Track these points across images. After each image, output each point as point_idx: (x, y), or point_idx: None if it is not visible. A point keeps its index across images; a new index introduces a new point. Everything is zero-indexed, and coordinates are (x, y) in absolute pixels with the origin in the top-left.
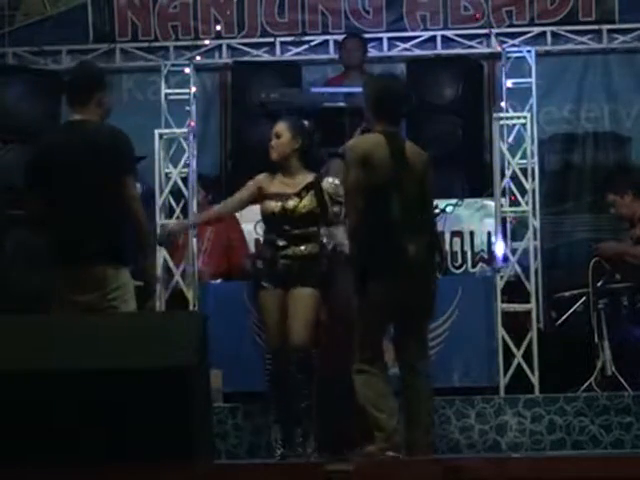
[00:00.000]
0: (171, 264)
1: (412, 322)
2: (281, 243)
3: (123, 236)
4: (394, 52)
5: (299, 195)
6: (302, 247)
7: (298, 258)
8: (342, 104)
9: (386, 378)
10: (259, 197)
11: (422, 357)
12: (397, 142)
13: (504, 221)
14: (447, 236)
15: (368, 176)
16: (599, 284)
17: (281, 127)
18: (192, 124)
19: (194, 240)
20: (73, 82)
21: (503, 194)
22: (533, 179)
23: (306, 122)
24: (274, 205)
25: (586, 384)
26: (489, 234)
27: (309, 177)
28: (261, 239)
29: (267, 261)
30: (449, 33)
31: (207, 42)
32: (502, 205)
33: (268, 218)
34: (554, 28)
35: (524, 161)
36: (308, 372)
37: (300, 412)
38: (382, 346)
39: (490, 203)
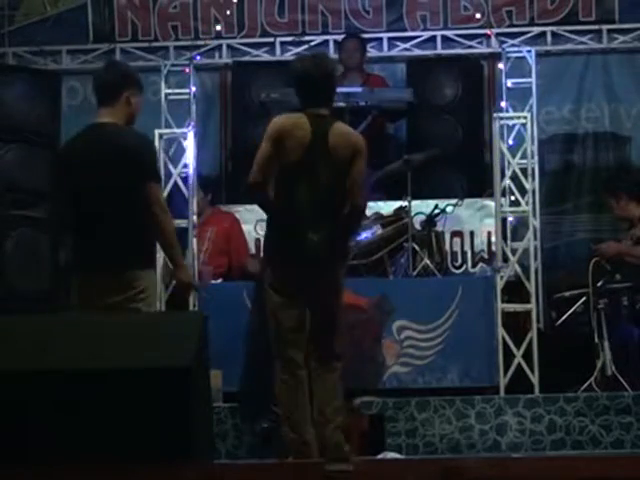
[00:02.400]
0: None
1: (315, 313)
2: None
3: (150, 238)
4: (394, 52)
5: None
6: None
7: None
8: (342, 104)
9: (303, 388)
10: None
11: (326, 350)
12: (321, 125)
13: (504, 221)
14: (447, 236)
15: (280, 154)
16: (599, 284)
17: None
18: (192, 124)
19: (194, 240)
20: (100, 80)
21: (503, 194)
22: (533, 179)
23: None
24: None
25: (586, 384)
26: (489, 234)
27: None
28: (261, 239)
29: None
30: (449, 33)
31: (207, 42)
32: (502, 205)
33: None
34: (554, 28)
35: (524, 161)
36: None
37: None
38: (301, 350)
39: (490, 203)
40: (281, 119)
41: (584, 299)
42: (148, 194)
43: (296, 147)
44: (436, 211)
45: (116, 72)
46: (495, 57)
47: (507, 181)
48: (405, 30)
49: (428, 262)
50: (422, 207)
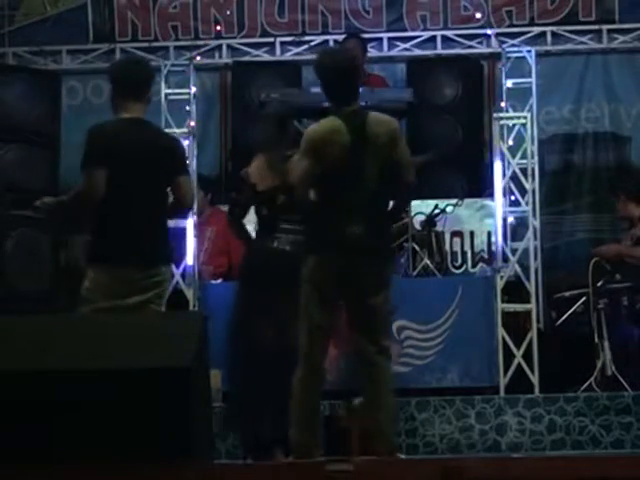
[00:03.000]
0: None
1: (359, 304)
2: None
3: (170, 235)
4: (394, 52)
5: None
6: None
7: None
8: None
9: (319, 391)
10: None
11: (376, 341)
12: (357, 121)
13: (504, 221)
14: (447, 236)
15: (322, 162)
16: (599, 284)
17: None
18: (192, 124)
19: (194, 240)
20: (131, 77)
21: (503, 194)
22: (533, 179)
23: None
24: None
25: (586, 384)
26: (489, 234)
27: None
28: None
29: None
30: (449, 33)
31: (207, 42)
32: (502, 205)
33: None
34: (554, 28)
35: (524, 161)
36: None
37: None
38: (325, 353)
39: (490, 203)
40: (315, 129)
41: (584, 299)
42: (179, 188)
43: (338, 152)
44: (436, 211)
45: (148, 70)
46: (495, 57)
47: (507, 181)
48: (405, 30)
49: (428, 262)
50: (422, 207)
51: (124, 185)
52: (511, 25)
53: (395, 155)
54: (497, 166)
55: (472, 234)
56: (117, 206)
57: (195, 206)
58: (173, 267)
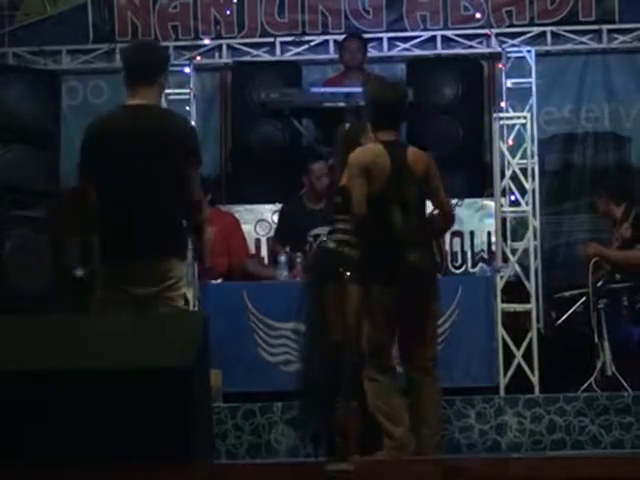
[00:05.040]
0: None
1: (416, 326)
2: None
3: (183, 227)
4: (394, 52)
5: None
6: None
7: None
8: (342, 104)
9: (397, 387)
10: None
11: (429, 359)
12: (398, 151)
13: (504, 221)
14: (447, 236)
15: (369, 187)
16: (599, 284)
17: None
18: (192, 124)
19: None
20: (140, 60)
21: (503, 194)
22: (533, 179)
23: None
24: None
25: (586, 384)
26: (489, 234)
27: None
28: (261, 239)
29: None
30: (449, 33)
31: (207, 42)
32: (502, 205)
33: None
34: (554, 28)
35: (524, 161)
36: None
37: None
38: (391, 354)
39: (490, 203)
40: (360, 153)
41: (584, 299)
42: (189, 179)
43: (381, 175)
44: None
45: (158, 52)
46: (495, 57)
47: (507, 181)
48: (405, 30)
49: None
50: None
51: (121, 176)
52: (511, 25)
53: (431, 185)
54: (497, 166)
55: (472, 234)
56: (117, 199)
57: None
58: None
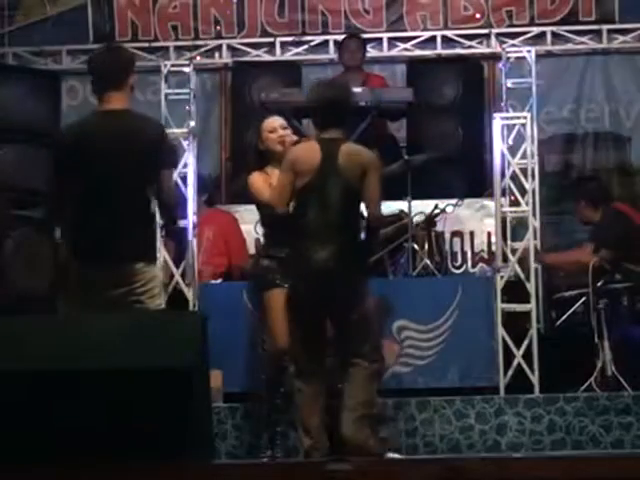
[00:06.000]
0: (171, 264)
1: (337, 322)
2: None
3: (153, 231)
4: (394, 52)
5: None
6: None
7: None
8: None
9: (319, 394)
10: None
11: (356, 355)
12: (331, 147)
13: (504, 221)
14: (447, 236)
15: (296, 179)
16: (599, 284)
17: (282, 121)
18: (192, 124)
19: (194, 240)
20: (105, 66)
21: (503, 194)
22: (533, 179)
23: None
24: None
25: (586, 384)
26: (489, 234)
27: None
28: (261, 239)
29: (278, 260)
30: (449, 33)
31: (207, 42)
32: (502, 205)
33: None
34: (554, 28)
35: (524, 161)
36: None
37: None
38: (318, 355)
39: (490, 203)
40: (295, 147)
41: (584, 299)
42: (162, 181)
43: (307, 170)
44: (436, 211)
45: (123, 56)
46: (495, 57)
47: (507, 181)
48: (405, 30)
49: (428, 262)
50: (422, 207)
51: (93, 181)
52: (511, 25)
53: (363, 188)
54: (497, 166)
55: (472, 234)
56: (87, 203)
57: (195, 206)
58: (173, 267)
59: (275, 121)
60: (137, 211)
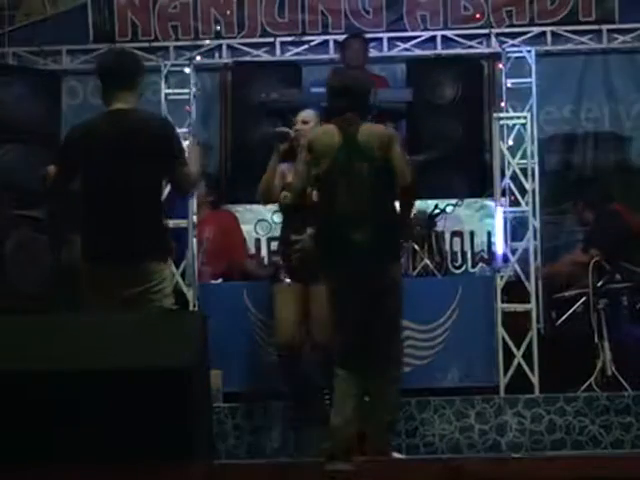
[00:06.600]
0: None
1: (372, 314)
2: (295, 237)
3: (166, 229)
4: (394, 52)
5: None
6: None
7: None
8: None
9: (357, 381)
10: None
11: (387, 359)
12: (350, 128)
13: (504, 221)
14: (447, 236)
15: (315, 163)
16: (599, 284)
17: (309, 114)
18: (192, 124)
19: (194, 240)
20: (122, 66)
21: (503, 194)
22: (533, 179)
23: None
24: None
25: (586, 384)
26: (489, 234)
27: None
28: (261, 239)
29: (285, 256)
30: (449, 33)
31: (207, 42)
32: (502, 205)
33: (285, 210)
34: (554, 28)
35: (524, 161)
36: (329, 372)
37: (324, 413)
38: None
39: (490, 203)
40: (311, 133)
41: (584, 299)
42: (176, 170)
43: (327, 152)
44: (436, 211)
45: (133, 58)
46: (495, 57)
47: (507, 181)
48: (405, 30)
49: (428, 262)
50: (422, 207)
51: (102, 180)
52: (511, 25)
53: (390, 159)
54: (497, 166)
55: (472, 234)
56: (98, 202)
57: (195, 206)
58: (173, 267)
59: (300, 114)
60: (149, 210)
